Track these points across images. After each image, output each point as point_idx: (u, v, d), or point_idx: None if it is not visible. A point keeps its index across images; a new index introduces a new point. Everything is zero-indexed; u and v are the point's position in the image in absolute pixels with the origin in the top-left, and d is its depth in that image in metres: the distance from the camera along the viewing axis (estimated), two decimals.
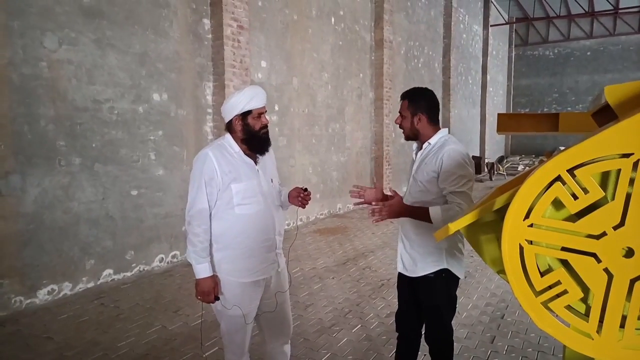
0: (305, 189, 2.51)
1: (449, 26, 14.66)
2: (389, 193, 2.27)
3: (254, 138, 2.35)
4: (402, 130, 2.50)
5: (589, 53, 23.24)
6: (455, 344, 3.51)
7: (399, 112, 2.46)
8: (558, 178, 1.15)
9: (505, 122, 2.76)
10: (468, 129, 17.65)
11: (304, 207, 2.51)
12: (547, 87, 24.26)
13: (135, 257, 5.25)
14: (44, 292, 4.39)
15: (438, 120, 2.45)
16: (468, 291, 4.70)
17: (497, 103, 22.05)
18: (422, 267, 2.38)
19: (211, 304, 2.38)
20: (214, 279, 2.30)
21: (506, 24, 22.06)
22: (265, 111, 2.43)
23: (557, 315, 1.18)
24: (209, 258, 2.30)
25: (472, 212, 1.38)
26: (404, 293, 2.58)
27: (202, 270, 2.27)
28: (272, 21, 7.29)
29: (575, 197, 1.14)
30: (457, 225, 1.39)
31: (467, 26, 17.18)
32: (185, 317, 4.08)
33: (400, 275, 2.56)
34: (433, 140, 2.36)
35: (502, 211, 1.37)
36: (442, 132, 2.40)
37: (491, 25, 19.69)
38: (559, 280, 1.16)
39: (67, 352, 3.44)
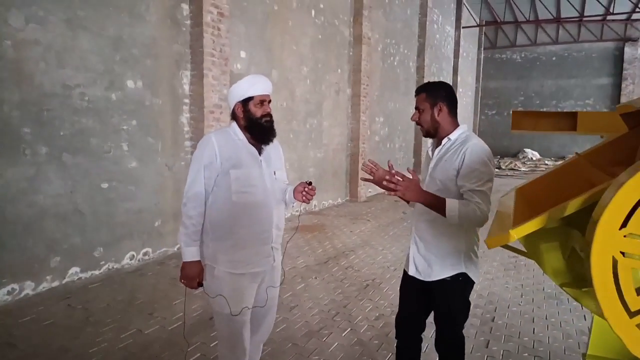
0: (310, 183, 2.38)
1: (424, 25, 14.68)
2: (408, 174, 2.08)
3: (255, 126, 2.29)
4: (420, 127, 2.31)
5: (554, 58, 23.89)
6: None
7: (416, 107, 2.29)
8: None
9: (520, 120, 2.65)
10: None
11: (308, 202, 2.41)
12: (513, 90, 24.80)
13: (104, 254, 4.91)
14: (4, 292, 4.02)
15: (457, 115, 2.30)
16: None
17: (466, 104, 22.35)
18: (438, 270, 2.23)
19: (211, 303, 2.31)
20: (200, 265, 2.27)
21: (477, 26, 22.39)
22: (270, 100, 2.30)
23: None
24: (198, 242, 2.27)
25: (539, 218, 1.22)
26: (412, 298, 2.42)
27: (189, 254, 2.24)
28: (253, 10, 7.01)
29: None
30: (520, 232, 1.23)
31: (440, 26, 17.28)
32: (162, 320, 3.81)
33: (409, 278, 2.39)
34: (453, 135, 2.22)
35: (568, 217, 1.23)
36: (463, 128, 2.26)
37: (463, 27, 19.89)
38: None
39: (34, 358, 3.13)
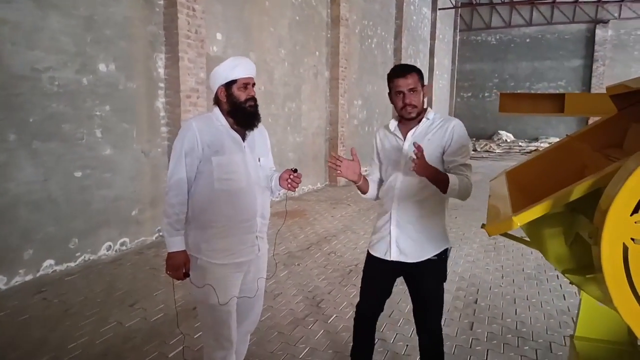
0: (295, 170, 2.30)
1: (401, 7, 14.57)
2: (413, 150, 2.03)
3: (239, 110, 2.19)
4: (408, 109, 2.19)
5: (528, 40, 24.08)
6: None
7: (411, 88, 2.16)
8: None
9: (507, 102, 2.63)
10: None
11: (294, 190, 2.34)
12: (489, 72, 24.96)
13: (80, 245, 4.75)
14: None
15: None
16: None
17: (443, 87, 22.46)
18: (429, 249, 2.24)
19: (195, 294, 2.25)
20: (186, 255, 2.20)
21: (453, 7, 22.40)
22: (254, 83, 2.22)
23: None
24: (182, 232, 2.20)
25: (543, 204, 1.18)
26: (383, 285, 2.38)
27: (173, 244, 2.17)
28: None
29: None
30: (523, 218, 1.19)
31: (417, 8, 17.20)
32: (143, 312, 3.71)
33: (382, 264, 2.31)
34: (430, 116, 2.25)
35: (571, 202, 1.19)
36: (431, 109, 2.29)
37: (439, 9, 19.86)
38: None
39: (10, 354, 3.01)
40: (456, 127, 2.19)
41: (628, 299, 1.01)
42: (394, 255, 2.27)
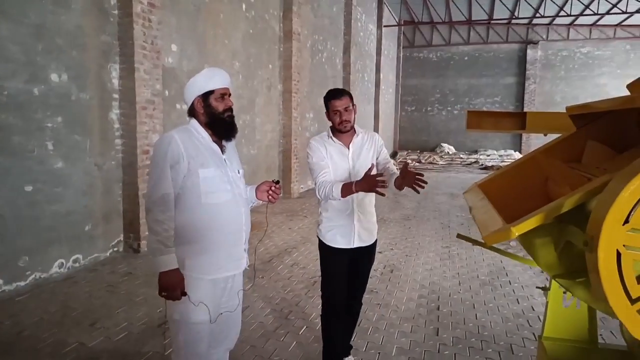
0: (278, 182, 2.34)
1: (349, 23, 14.94)
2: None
3: (217, 121, 2.20)
4: (345, 124, 2.65)
5: (466, 58, 25.36)
6: (403, 339, 3.56)
7: (345, 107, 2.64)
8: None
9: (474, 120, 2.79)
10: (363, 125, 18.19)
11: (273, 202, 2.37)
12: (431, 87, 26.01)
13: (30, 263, 4.49)
14: None
15: None
16: (399, 284, 4.78)
17: (388, 101, 23.13)
18: (374, 234, 2.85)
19: (173, 311, 2.16)
20: (180, 272, 2.08)
21: (397, 25, 23.23)
22: (230, 94, 2.24)
23: None
24: (173, 248, 2.07)
25: (538, 216, 1.30)
26: (344, 267, 2.78)
27: (164, 263, 2.05)
28: (184, 2, 6.73)
29: None
30: (521, 229, 1.30)
31: (363, 24, 17.69)
32: (105, 331, 3.56)
33: (343, 255, 2.74)
34: (359, 130, 2.76)
35: (561, 215, 1.32)
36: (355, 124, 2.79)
37: (384, 26, 20.53)
38: None
39: None
40: (379, 137, 2.86)
41: (621, 299, 1.14)
42: (356, 243, 2.75)
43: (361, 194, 2.63)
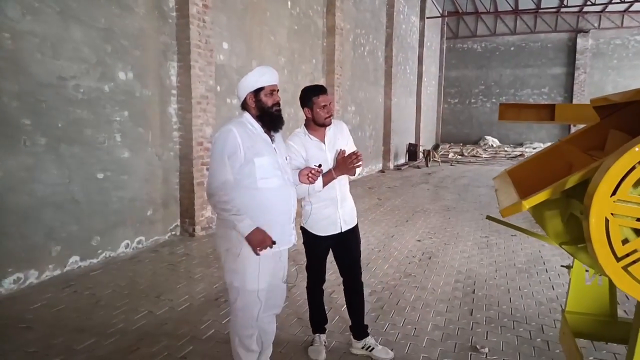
0: (320, 165, 2.63)
1: (391, 16, 15.06)
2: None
3: (267, 115, 2.48)
4: (328, 118, 2.85)
5: (512, 48, 24.85)
6: (438, 317, 3.80)
7: (330, 102, 2.85)
8: None
9: (505, 111, 3.01)
10: (405, 118, 18.31)
11: (313, 183, 2.68)
12: (474, 79, 25.66)
13: (101, 242, 5.03)
14: (10, 281, 4.11)
15: None
16: (436, 270, 5.01)
17: (430, 93, 23.00)
18: (355, 216, 3.10)
19: (232, 279, 2.51)
20: (261, 229, 2.38)
21: (440, 16, 23.01)
22: (277, 89, 2.54)
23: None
24: (245, 216, 2.37)
25: (546, 191, 1.55)
26: (327, 251, 3.08)
27: (247, 226, 2.35)
28: (233, 1, 7.14)
29: None
30: (531, 202, 1.55)
31: (406, 17, 17.72)
32: (169, 302, 4.00)
33: (329, 238, 2.98)
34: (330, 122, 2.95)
35: (567, 189, 1.56)
36: None
37: (427, 17, 20.42)
38: (636, 249, 1.37)
39: (53, 341, 3.27)
40: (346, 127, 3.11)
41: (609, 258, 1.38)
42: (343, 228, 2.99)
43: (342, 182, 2.96)
